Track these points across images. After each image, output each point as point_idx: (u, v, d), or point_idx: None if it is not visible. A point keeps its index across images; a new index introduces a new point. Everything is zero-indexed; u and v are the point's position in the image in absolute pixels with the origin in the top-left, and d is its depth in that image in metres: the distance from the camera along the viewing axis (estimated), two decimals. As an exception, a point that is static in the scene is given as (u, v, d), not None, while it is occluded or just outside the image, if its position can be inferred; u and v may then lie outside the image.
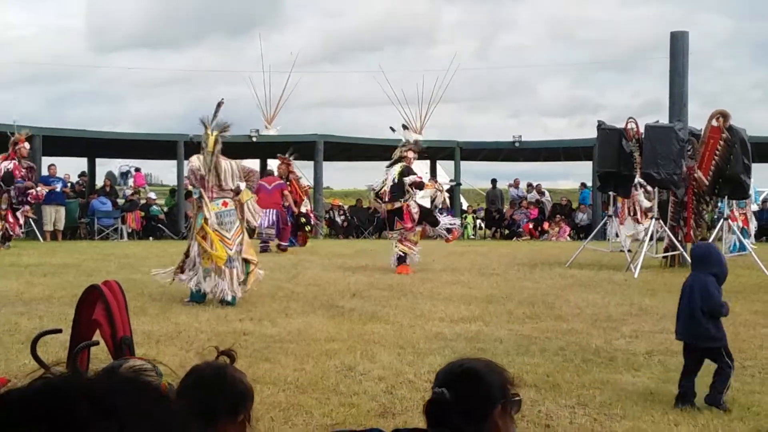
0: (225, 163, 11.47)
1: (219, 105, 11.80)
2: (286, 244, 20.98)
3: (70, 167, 30.87)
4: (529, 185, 33.61)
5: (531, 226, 30.09)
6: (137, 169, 34.57)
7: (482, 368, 2.87)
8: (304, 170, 34.79)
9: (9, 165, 20.20)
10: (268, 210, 20.81)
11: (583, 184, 34.66)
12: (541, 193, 33.01)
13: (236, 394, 2.77)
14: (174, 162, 29.35)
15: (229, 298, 11.01)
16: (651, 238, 16.71)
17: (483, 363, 2.95)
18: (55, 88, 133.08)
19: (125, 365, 2.72)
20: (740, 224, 21.00)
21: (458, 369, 2.87)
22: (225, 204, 11.41)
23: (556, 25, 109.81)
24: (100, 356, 4.51)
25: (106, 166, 35.19)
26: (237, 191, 11.48)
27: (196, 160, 11.59)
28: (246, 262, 11.37)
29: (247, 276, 11.32)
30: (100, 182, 31.84)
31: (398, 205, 15.89)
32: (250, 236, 12.66)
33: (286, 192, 21.25)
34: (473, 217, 31.95)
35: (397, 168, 16.03)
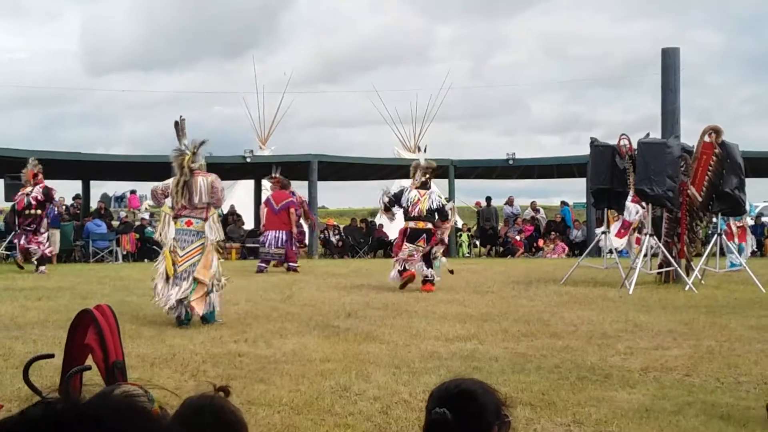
0: (200, 180, 11.46)
1: (177, 123, 11.76)
2: (295, 264, 21.02)
3: (64, 190, 30.83)
4: (532, 204, 33.74)
5: (520, 239, 30.13)
6: (132, 191, 34.66)
7: (478, 389, 2.87)
8: (298, 190, 34.89)
9: (39, 190, 20.48)
10: (277, 231, 20.88)
11: (563, 202, 34.84)
12: (536, 210, 33.10)
13: (229, 427, 2.76)
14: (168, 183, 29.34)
15: (183, 316, 11.10)
16: (645, 255, 16.72)
17: (477, 384, 2.94)
18: (49, 111, 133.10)
19: (116, 391, 2.71)
20: (737, 240, 21.01)
21: (455, 390, 2.86)
22: (189, 223, 11.40)
23: (549, 42, 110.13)
24: (94, 380, 4.51)
25: (101, 189, 35.14)
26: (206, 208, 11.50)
27: (169, 180, 11.70)
28: (196, 281, 11.27)
29: (192, 296, 11.17)
30: (94, 205, 31.87)
31: (429, 226, 16.16)
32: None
33: (292, 210, 21.25)
34: (468, 235, 31.95)
35: (438, 192, 16.42)
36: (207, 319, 11.17)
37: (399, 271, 15.99)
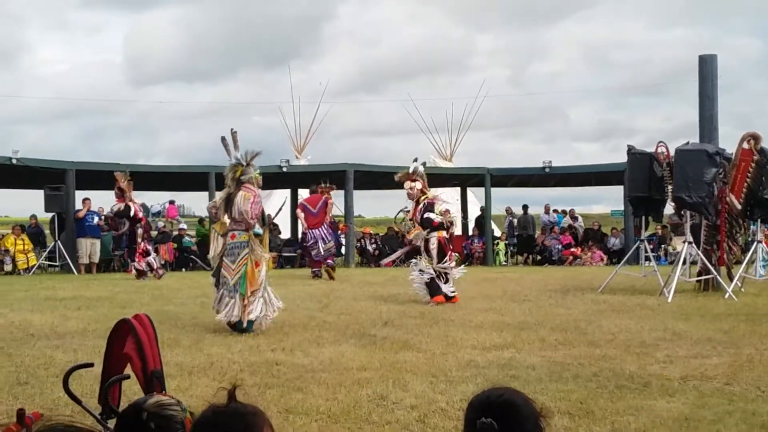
0: (240, 194, 11.58)
1: (223, 139, 11.94)
2: (332, 262, 21.58)
3: (103, 201, 31.13)
4: (563, 211, 33.59)
5: (562, 249, 30.00)
6: (171, 202, 34.90)
7: (519, 399, 2.84)
8: (335, 199, 34.98)
9: (121, 206, 21.18)
10: (319, 229, 21.18)
11: (555, 210, 34.67)
12: (573, 218, 32.92)
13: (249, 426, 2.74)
14: (206, 194, 29.52)
15: (237, 323, 11.32)
16: (684, 262, 16.58)
17: (518, 394, 2.92)
18: (91, 122, 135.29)
19: (150, 401, 2.73)
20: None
21: (498, 399, 2.82)
22: (233, 236, 11.59)
23: (589, 50, 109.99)
24: (133, 389, 4.55)
25: (139, 199, 35.45)
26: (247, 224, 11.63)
27: (220, 194, 11.96)
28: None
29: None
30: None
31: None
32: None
33: (329, 203, 21.79)
34: (505, 243, 31.86)
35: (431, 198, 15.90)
36: (245, 329, 11.23)
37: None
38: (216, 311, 11.55)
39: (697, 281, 16.83)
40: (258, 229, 11.69)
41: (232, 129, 11.99)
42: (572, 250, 30.28)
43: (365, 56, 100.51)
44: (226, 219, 11.69)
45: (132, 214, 21.45)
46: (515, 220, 32.92)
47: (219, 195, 12.02)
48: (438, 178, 36.73)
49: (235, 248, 11.56)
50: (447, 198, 38.70)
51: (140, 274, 21.21)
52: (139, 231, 21.68)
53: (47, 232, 28.66)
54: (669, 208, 17.60)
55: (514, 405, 2.78)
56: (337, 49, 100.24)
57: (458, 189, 36.90)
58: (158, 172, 30.00)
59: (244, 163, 11.61)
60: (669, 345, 9.88)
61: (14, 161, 25.56)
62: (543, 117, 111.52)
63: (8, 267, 25.28)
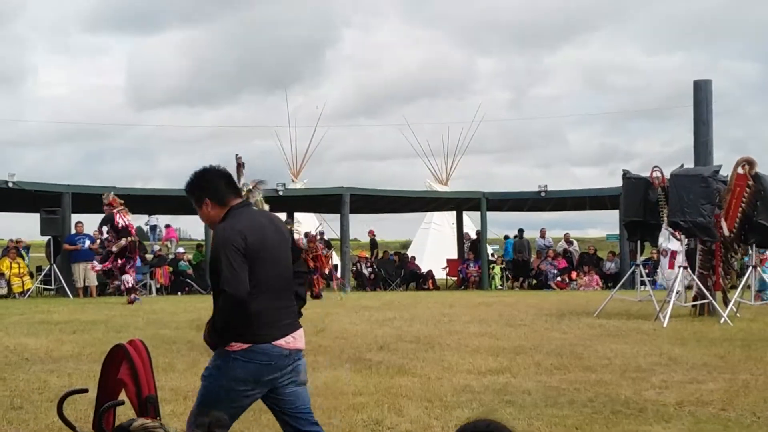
0: None
1: (239, 165, 12.13)
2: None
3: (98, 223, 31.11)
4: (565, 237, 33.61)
5: (559, 279, 29.97)
6: (167, 225, 34.90)
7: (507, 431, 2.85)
8: (330, 222, 35.00)
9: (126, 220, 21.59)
10: None
11: (506, 236, 34.77)
12: (569, 242, 32.94)
13: None
14: (201, 217, 29.49)
15: None
16: (678, 288, 16.58)
17: (504, 427, 2.92)
18: (90, 145, 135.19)
19: (135, 424, 2.75)
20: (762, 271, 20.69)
21: (485, 429, 2.84)
22: None
23: (589, 74, 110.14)
24: (128, 414, 4.55)
25: (135, 222, 35.45)
26: None
27: None
28: None
29: None
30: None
31: None
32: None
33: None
34: (500, 267, 31.86)
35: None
36: None
37: None
38: None
39: (693, 306, 16.83)
40: None
41: (237, 155, 12.20)
42: (565, 275, 30.26)
43: (366, 80, 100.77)
44: None
45: (121, 225, 21.35)
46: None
47: None
48: (434, 202, 36.89)
49: None
50: (443, 222, 38.98)
51: (129, 291, 21.26)
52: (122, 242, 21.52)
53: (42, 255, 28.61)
54: (664, 233, 17.61)
55: None
56: (338, 73, 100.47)
57: (454, 213, 36.96)
58: (155, 195, 30.02)
59: (249, 188, 11.81)
60: (665, 370, 9.88)
61: (10, 184, 25.54)
62: (541, 141, 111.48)
63: (3, 290, 25.22)
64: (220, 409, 3.78)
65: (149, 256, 28.96)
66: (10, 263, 25.48)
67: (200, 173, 4.81)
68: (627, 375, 9.52)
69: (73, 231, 25.71)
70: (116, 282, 21.99)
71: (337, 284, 26.11)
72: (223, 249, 4.45)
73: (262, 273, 4.56)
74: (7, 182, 25.45)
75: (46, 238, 26.44)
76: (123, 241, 21.18)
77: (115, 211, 21.26)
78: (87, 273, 25.09)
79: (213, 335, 4.62)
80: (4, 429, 6.79)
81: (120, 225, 21.38)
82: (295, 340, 4.78)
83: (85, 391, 4.44)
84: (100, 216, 22.04)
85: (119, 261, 21.23)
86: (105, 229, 21.84)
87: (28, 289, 25.39)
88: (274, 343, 4.63)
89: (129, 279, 21.42)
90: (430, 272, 31.77)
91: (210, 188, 4.74)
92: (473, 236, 33.93)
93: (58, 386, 8.63)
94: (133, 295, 21.23)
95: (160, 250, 30.89)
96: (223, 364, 4.61)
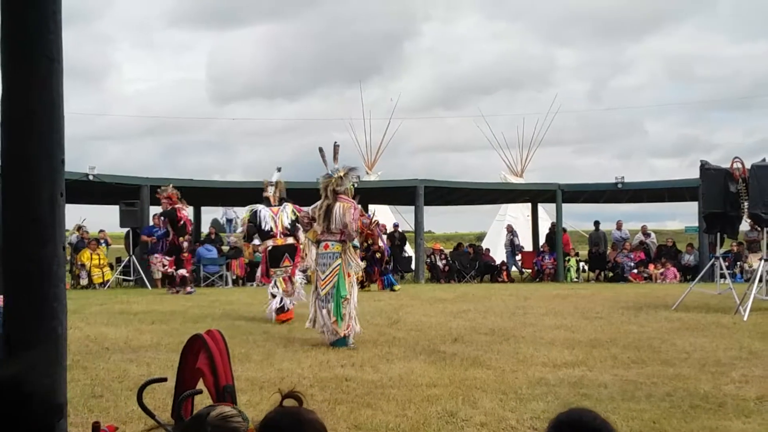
0: (338, 205, 11.86)
1: (321, 150, 12.27)
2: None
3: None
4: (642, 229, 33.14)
5: (635, 271, 29.56)
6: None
7: (610, 427, 2.78)
8: (405, 215, 35.01)
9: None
10: None
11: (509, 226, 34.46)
12: (646, 234, 32.46)
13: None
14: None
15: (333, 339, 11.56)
16: (760, 280, 16.25)
17: (601, 418, 2.85)
18: (171, 139, 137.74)
19: (213, 413, 2.77)
20: None
21: (593, 422, 2.75)
22: (326, 246, 11.81)
23: (672, 64, 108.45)
24: (205, 403, 4.60)
25: (211, 214, 35.88)
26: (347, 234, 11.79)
27: (316, 204, 12.23)
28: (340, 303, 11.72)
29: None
30: (205, 230, 32.52)
31: (291, 241, 15.56)
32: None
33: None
34: (576, 260, 31.55)
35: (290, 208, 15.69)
36: (339, 343, 11.41)
37: (276, 309, 14.93)
38: (312, 324, 11.89)
39: (774, 299, 16.48)
40: (356, 242, 11.98)
41: (335, 142, 12.40)
42: (644, 268, 29.81)
43: (444, 73, 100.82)
44: (317, 227, 11.91)
45: (182, 222, 21.98)
46: (516, 239, 32.88)
47: (316, 205, 12.22)
48: (509, 194, 36.66)
49: (326, 258, 11.83)
50: (517, 213, 38.72)
51: (174, 283, 22.16)
52: (185, 244, 22.47)
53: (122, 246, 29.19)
54: (745, 225, 17.25)
55: (607, 429, 2.73)
56: (417, 66, 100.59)
57: (529, 205, 36.71)
58: (229, 188, 30.35)
59: (340, 175, 11.93)
60: (745, 364, 9.69)
61: (91, 177, 26.10)
62: (620, 132, 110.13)
63: (84, 281, 25.75)
64: None
65: (225, 248, 29.27)
66: (91, 254, 26.00)
67: None
68: (706, 369, 9.36)
69: (151, 223, 26.11)
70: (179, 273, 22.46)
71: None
72: None
73: None
74: (87, 175, 25.98)
75: (125, 230, 26.92)
76: (185, 243, 21.87)
77: (177, 206, 21.69)
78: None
79: None
80: (85, 417, 6.92)
81: (181, 222, 21.85)
82: None
83: (164, 380, 4.51)
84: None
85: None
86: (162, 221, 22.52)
87: (108, 280, 25.88)
88: None
89: (184, 272, 22.30)
90: (503, 263, 31.62)
91: None
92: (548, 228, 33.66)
93: (137, 375, 8.77)
94: (188, 288, 22.09)
95: (236, 242, 31.20)
96: None
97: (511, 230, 33.60)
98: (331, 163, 12.12)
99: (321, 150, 12.26)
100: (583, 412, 2.79)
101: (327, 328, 11.55)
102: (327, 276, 11.68)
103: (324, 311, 11.61)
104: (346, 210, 11.77)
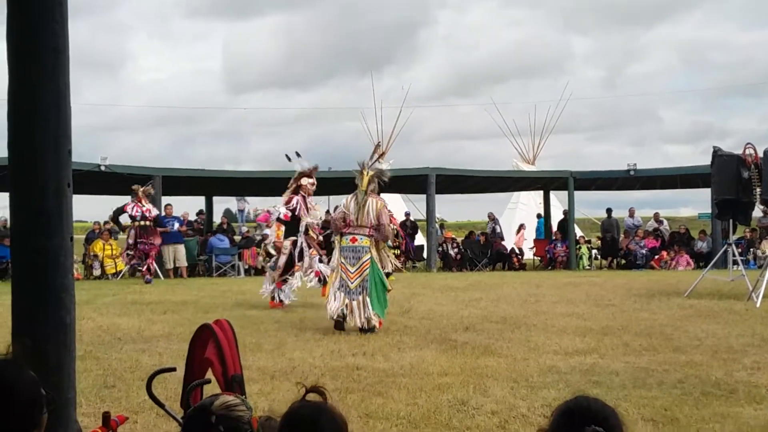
0: (370, 201, 12.15)
1: (376, 149, 12.51)
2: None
3: (188, 206, 31.66)
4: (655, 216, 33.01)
5: (656, 257, 29.46)
6: (267, 211, 35.30)
7: (613, 411, 2.78)
8: (417, 203, 34.93)
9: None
10: None
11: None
12: (659, 221, 32.35)
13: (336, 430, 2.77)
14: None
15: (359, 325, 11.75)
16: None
17: (609, 406, 2.84)
18: (183, 129, 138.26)
19: (216, 402, 2.78)
20: None
21: (602, 410, 2.75)
22: (354, 240, 12.00)
23: (687, 51, 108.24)
24: (215, 392, 4.61)
25: (223, 204, 36.02)
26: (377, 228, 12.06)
27: (345, 200, 12.53)
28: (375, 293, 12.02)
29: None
30: (217, 220, 32.56)
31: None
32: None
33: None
34: (588, 247, 31.48)
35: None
36: (369, 329, 11.71)
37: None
38: (337, 315, 11.94)
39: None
40: (389, 242, 12.25)
41: (378, 141, 12.79)
42: (658, 255, 29.72)
43: (458, 61, 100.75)
44: (346, 217, 12.23)
45: (132, 213, 22.48)
46: (498, 226, 32.79)
47: (345, 203, 12.47)
48: (521, 182, 36.57)
49: (355, 252, 11.99)
50: (529, 201, 38.65)
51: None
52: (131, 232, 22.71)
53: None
54: (758, 211, 17.18)
55: (615, 417, 2.73)
56: (431, 55, 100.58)
57: (541, 192, 36.62)
58: (241, 178, 30.38)
59: (369, 173, 12.19)
60: (757, 351, 9.67)
61: (103, 168, 26.13)
62: (634, 119, 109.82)
63: (97, 272, 25.83)
64: None
65: (237, 238, 29.30)
66: (103, 245, 26.08)
67: None
68: (718, 356, 9.34)
69: (162, 213, 26.17)
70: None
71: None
72: None
73: None
74: (99, 165, 26.02)
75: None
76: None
77: (127, 203, 22.37)
78: (177, 254, 25.56)
79: None
80: (96, 407, 6.94)
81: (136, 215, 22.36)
82: None
83: (173, 369, 4.52)
84: (190, 198, 22.60)
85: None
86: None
87: (121, 271, 25.94)
88: None
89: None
90: (513, 249, 31.59)
91: None
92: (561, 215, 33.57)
93: (149, 365, 8.80)
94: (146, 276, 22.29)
95: (248, 231, 31.24)
96: None
97: (492, 218, 33.55)
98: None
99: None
100: (590, 400, 2.79)
101: (361, 318, 11.71)
102: (357, 269, 11.84)
103: (355, 303, 11.78)
104: (380, 209, 12.02)
